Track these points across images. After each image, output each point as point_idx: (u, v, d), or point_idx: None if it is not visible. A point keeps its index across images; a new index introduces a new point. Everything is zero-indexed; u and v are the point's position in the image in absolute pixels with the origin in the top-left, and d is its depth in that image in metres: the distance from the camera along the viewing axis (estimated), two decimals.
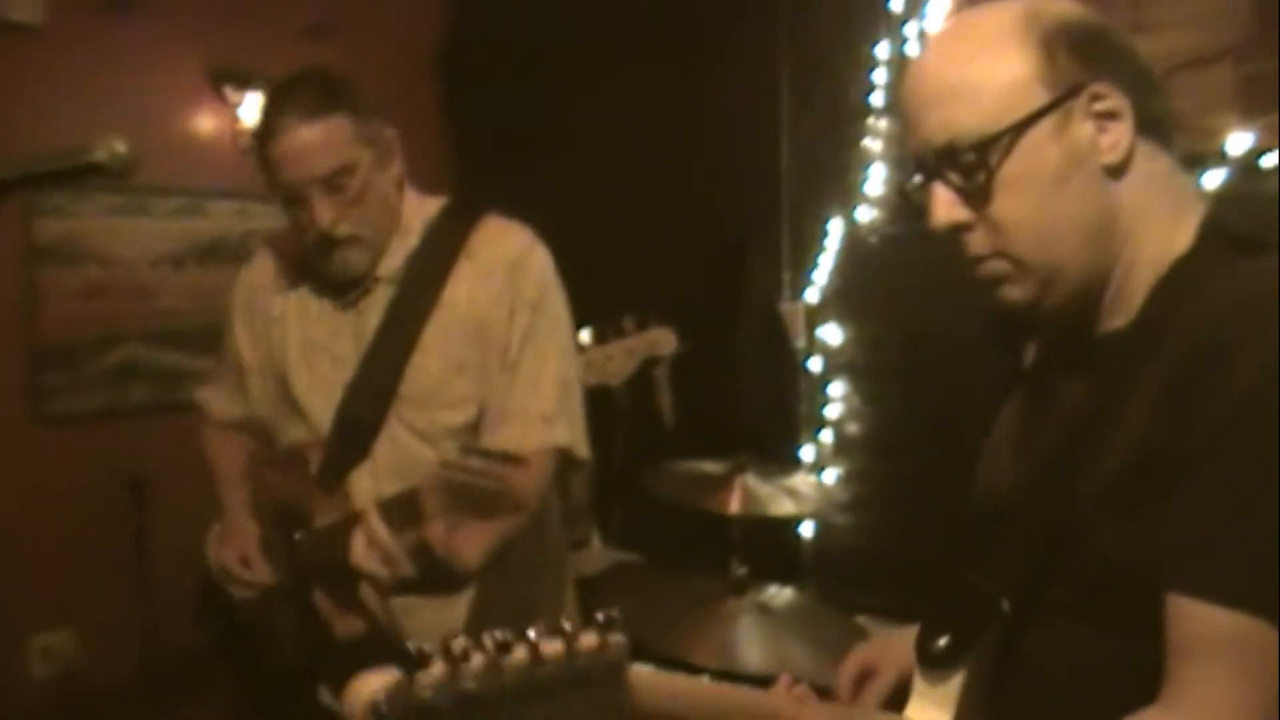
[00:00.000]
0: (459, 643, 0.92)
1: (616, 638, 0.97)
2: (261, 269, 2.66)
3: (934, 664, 1.47)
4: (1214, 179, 3.19)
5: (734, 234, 4.45)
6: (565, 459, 2.48)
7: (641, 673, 1.16)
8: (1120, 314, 1.38)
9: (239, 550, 2.55)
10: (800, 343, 4.33)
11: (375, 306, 2.47)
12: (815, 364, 4.33)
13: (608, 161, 4.58)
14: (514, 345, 2.43)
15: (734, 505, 3.21)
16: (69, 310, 4.04)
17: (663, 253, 4.04)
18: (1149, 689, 1.23)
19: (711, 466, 3.35)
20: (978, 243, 1.40)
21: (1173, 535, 1.20)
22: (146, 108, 4.23)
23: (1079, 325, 1.43)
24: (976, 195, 1.37)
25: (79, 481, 3.98)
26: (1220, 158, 3.21)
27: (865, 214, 4.22)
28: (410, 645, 0.92)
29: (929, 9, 4.08)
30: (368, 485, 2.43)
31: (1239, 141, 3.22)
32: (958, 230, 1.40)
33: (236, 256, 4.11)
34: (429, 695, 0.90)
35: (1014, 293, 1.40)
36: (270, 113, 2.37)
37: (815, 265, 4.33)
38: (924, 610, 3.01)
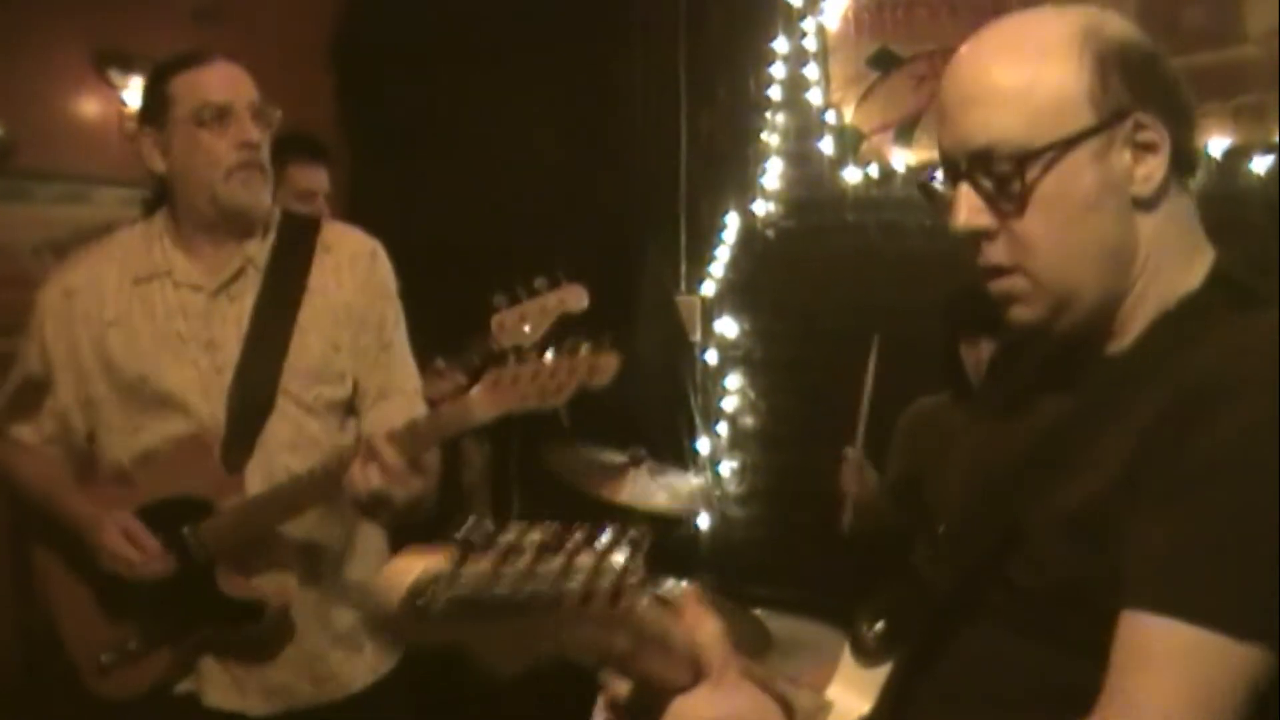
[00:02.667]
0: (508, 537, 0.90)
1: (638, 561, 0.96)
2: (79, 274, 2.60)
3: (866, 649, 1.47)
4: None
5: (632, 227, 4.44)
6: None
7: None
8: (1118, 340, 1.38)
9: (122, 531, 2.44)
10: (696, 336, 4.34)
11: (246, 292, 2.55)
12: (711, 357, 4.34)
13: (504, 154, 4.54)
14: (388, 327, 2.66)
15: (628, 497, 3.22)
16: None
17: (559, 245, 4.01)
18: (1069, 706, 1.24)
19: (610, 456, 3.35)
20: (997, 253, 1.36)
21: (1137, 559, 1.21)
22: (27, 90, 4.10)
23: (1075, 344, 1.42)
24: (1005, 205, 1.33)
25: None
26: None
27: (762, 208, 4.24)
28: (462, 531, 0.89)
29: (826, 4, 4.11)
30: (261, 460, 2.49)
31: None
32: (978, 237, 1.37)
33: None
34: (470, 591, 0.88)
35: (1024, 313, 1.37)
36: (183, 55, 2.51)
37: (712, 259, 4.34)
38: (817, 603, 3.02)
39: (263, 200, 2.53)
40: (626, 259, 4.41)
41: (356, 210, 4.36)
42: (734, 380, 4.33)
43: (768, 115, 4.23)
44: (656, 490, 3.32)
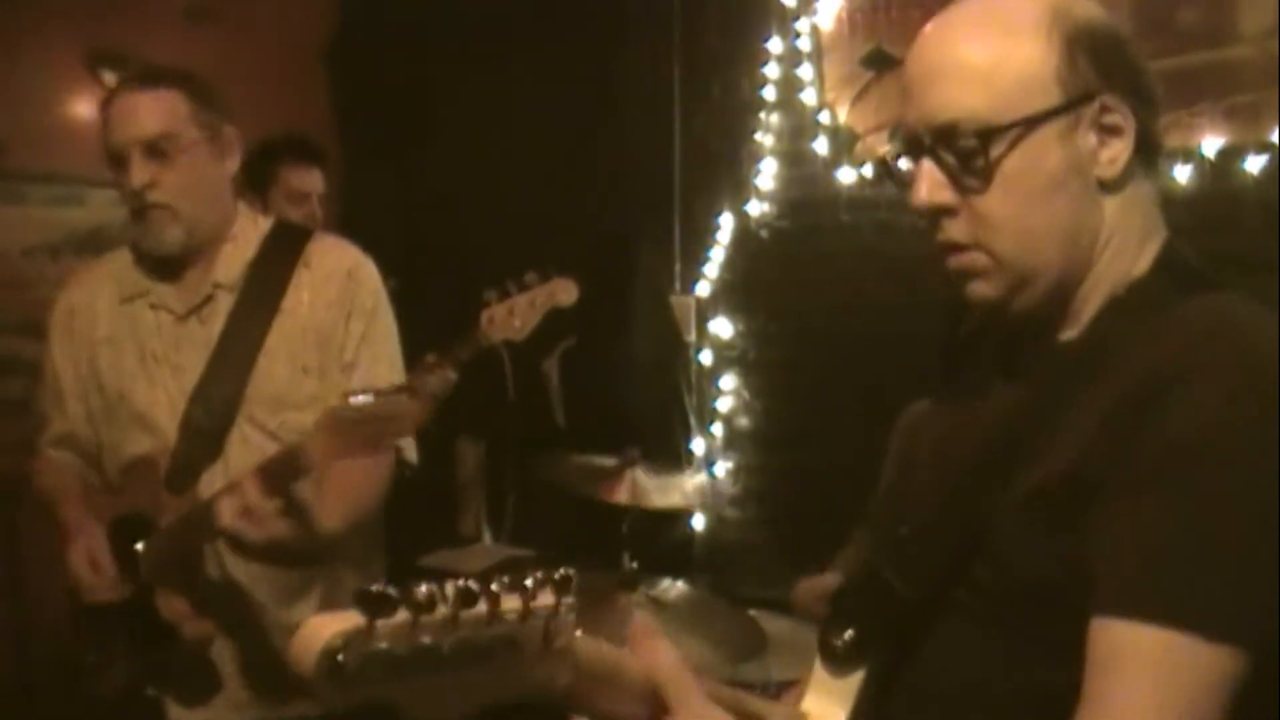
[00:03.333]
0: (423, 591, 0.89)
1: (568, 599, 0.95)
2: (80, 291, 2.65)
3: (836, 658, 1.46)
4: None
5: (626, 227, 4.44)
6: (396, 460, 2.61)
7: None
8: (1070, 326, 1.38)
9: (87, 552, 2.46)
10: (691, 336, 4.34)
11: (217, 315, 2.54)
12: (706, 357, 4.33)
13: (499, 154, 4.53)
14: (350, 348, 2.55)
15: (624, 498, 3.21)
16: None
17: (554, 244, 4.01)
18: (1041, 703, 1.25)
19: (604, 460, 3.35)
20: (957, 230, 1.36)
21: (1102, 562, 1.21)
22: (20, 91, 4.10)
23: (1029, 331, 1.42)
24: (968, 181, 1.33)
25: None
26: None
27: (756, 208, 4.23)
28: (374, 587, 0.89)
29: (820, 5, 4.10)
30: (220, 485, 2.44)
31: None
32: (939, 213, 1.37)
33: (116, 247, 4.00)
34: (388, 645, 0.87)
35: (983, 289, 1.37)
36: (111, 89, 2.54)
37: (706, 259, 4.34)
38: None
39: (171, 239, 2.48)
40: (621, 259, 4.40)
41: (351, 211, 4.36)
42: (729, 381, 4.32)
43: (762, 115, 4.22)
44: (652, 490, 3.32)
